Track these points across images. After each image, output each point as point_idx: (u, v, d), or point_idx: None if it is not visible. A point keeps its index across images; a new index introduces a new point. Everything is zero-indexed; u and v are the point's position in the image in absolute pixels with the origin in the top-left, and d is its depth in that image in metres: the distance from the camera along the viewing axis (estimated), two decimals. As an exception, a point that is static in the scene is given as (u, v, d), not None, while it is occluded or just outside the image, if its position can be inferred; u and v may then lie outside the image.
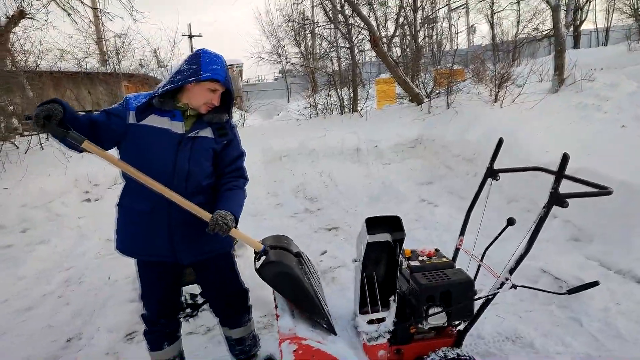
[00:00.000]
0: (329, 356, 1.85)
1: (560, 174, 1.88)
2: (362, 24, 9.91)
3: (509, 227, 2.28)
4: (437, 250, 2.35)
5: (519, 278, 2.90)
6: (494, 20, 20.10)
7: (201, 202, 1.96)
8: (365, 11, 10.73)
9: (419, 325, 2.05)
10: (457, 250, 2.52)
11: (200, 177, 2.00)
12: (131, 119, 1.94)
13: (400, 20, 13.49)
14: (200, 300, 3.24)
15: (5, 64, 7.40)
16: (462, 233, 2.53)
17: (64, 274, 4.21)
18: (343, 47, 12.37)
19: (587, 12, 19.31)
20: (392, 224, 2.00)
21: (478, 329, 2.65)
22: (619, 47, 14.43)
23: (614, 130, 5.47)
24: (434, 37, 19.22)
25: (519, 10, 19.21)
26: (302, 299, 1.97)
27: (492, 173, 2.44)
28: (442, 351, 2.04)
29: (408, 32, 14.18)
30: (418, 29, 13.91)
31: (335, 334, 1.97)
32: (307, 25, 15.75)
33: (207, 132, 2.01)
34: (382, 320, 2.06)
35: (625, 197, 3.55)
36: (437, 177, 6.66)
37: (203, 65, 1.90)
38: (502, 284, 1.99)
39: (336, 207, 5.97)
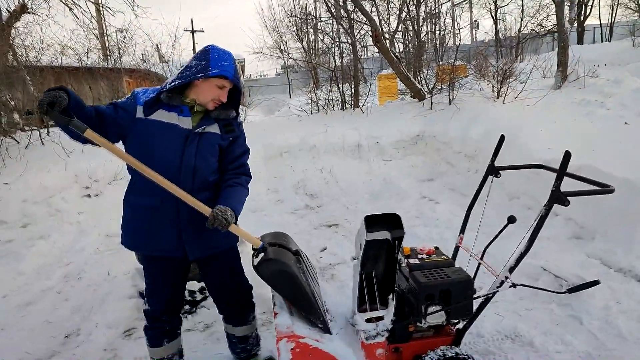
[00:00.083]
0: (326, 355, 1.84)
1: (561, 172, 1.85)
2: (364, 19, 9.85)
3: (510, 224, 2.26)
4: (436, 248, 2.33)
5: (519, 276, 2.89)
6: (497, 16, 19.99)
7: (208, 198, 1.96)
8: (367, 6, 10.68)
9: (418, 324, 2.03)
10: (457, 248, 2.49)
11: (206, 173, 2.00)
12: (139, 113, 1.94)
13: (403, 15, 13.42)
14: (198, 296, 3.23)
15: (7, 59, 7.37)
16: (462, 231, 2.51)
17: (64, 269, 4.21)
18: (345, 42, 12.32)
19: (591, 8, 19.18)
20: (391, 222, 1.98)
21: (477, 328, 2.64)
22: (623, 43, 14.29)
23: (617, 127, 5.43)
24: (437, 32, 19.11)
25: (522, 6, 19.11)
26: (299, 298, 1.96)
27: (493, 170, 2.41)
28: (441, 350, 2.03)
29: (410, 28, 14.11)
30: (421, 24, 13.84)
31: (330, 333, 1.96)
32: (310, 21, 15.67)
33: (214, 128, 2.01)
34: (380, 318, 2.05)
35: (628, 195, 3.52)
36: (438, 174, 6.64)
37: (212, 62, 1.90)
38: (502, 283, 1.97)
39: (336, 204, 5.96)
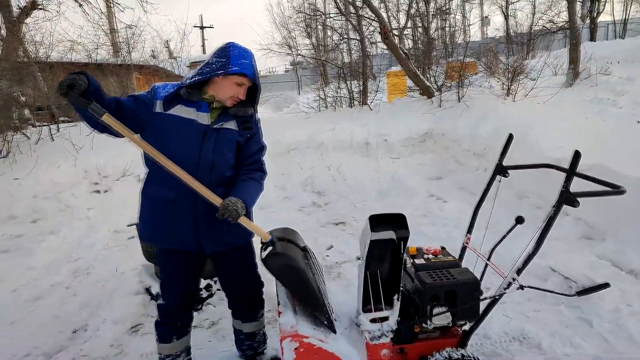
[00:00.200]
0: (330, 355, 1.83)
1: (571, 172, 1.82)
2: (372, 16, 9.78)
3: (518, 225, 2.23)
4: (443, 248, 2.31)
5: (528, 277, 2.85)
6: (509, 12, 19.74)
7: (224, 193, 1.97)
8: (376, 2, 10.59)
9: (423, 325, 2.01)
10: (463, 249, 2.47)
11: (224, 169, 2.02)
12: (158, 107, 1.97)
13: (412, 11, 13.30)
14: (204, 294, 3.24)
15: (18, 54, 7.45)
16: (469, 231, 2.48)
17: (73, 264, 4.24)
18: (353, 39, 12.25)
19: (605, 4, 18.84)
20: (396, 222, 1.96)
21: (484, 329, 2.61)
22: (636, 40, 14.01)
23: (630, 125, 5.35)
24: (446, 28, 18.93)
25: (534, 2, 18.85)
26: (306, 292, 1.95)
27: (501, 170, 2.38)
28: (447, 351, 2.01)
29: (420, 24, 13.99)
30: (430, 20, 13.72)
31: (335, 332, 1.95)
32: (318, 17, 15.61)
33: (231, 125, 2.03)
34: (385, 319, 2.03)
35: (640, 195, 3.46)
36: (447, 172, 6.59)
37: (232, 59, 1.92)
38: (509, 285, 1.94)
39: (344, 202, 5.94)
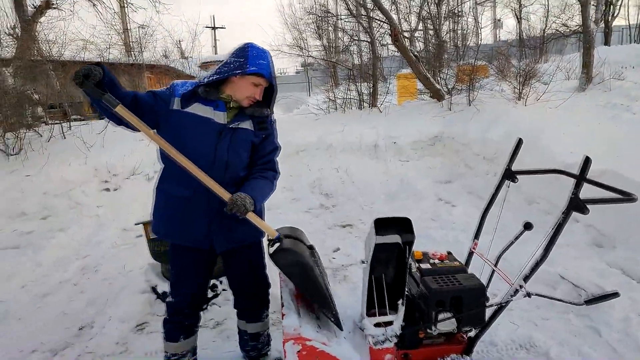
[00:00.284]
0: (333, 358, 1.82)
1: (581, 178, 1.79)
2: (383, 18, 9.76)
3: (526, 231, 2.20)
4: (449, 253, 2.29)
5: (536, 284, 2.81)
6: (522, 15, 19.57)
7: (236, 192, 1.96)
8: (387, 4, 10.58)
9: (428, 331, 1.99)
10: (470, 254, 2.44)
11: (238, 168, 2.04)
12: (176, 105, 1.98)
13: (423, 13, 13.25)
14: (210, 294, 3.25)
15: (32, 53, 7.55)
16: (476, 236, 2.45)
17: (81, 261, 4.28)
18: (364, 40, 12.23)
19: (620, 8, 18.60)
20: (402, 226, 1.94)
21: (491, 336, 2.58)
22: (652, 45, 13.86)
23: (644, 131, 5.25)
24: (458, 31, 18.82)
25: (547, 5, 18.67)
26: (312, 289, 1.94)
27: (509, 174, 2.35)
28: (452, 358, 1.99)
29: (431, 27, 13.93)
30: (442, 23, 13.65)
31: (341, 329, 1.94)
32: (329, 18, 15.62)
33: (247, 125, 2.04)
34: (389, 323, 2.01)
35: (653, 203, 3.39)
36: (456, 176, 6.53)
37: (250, 59, 1.93)
38: (516, 292, 1.92)
39: (352, 204, 5.92)
